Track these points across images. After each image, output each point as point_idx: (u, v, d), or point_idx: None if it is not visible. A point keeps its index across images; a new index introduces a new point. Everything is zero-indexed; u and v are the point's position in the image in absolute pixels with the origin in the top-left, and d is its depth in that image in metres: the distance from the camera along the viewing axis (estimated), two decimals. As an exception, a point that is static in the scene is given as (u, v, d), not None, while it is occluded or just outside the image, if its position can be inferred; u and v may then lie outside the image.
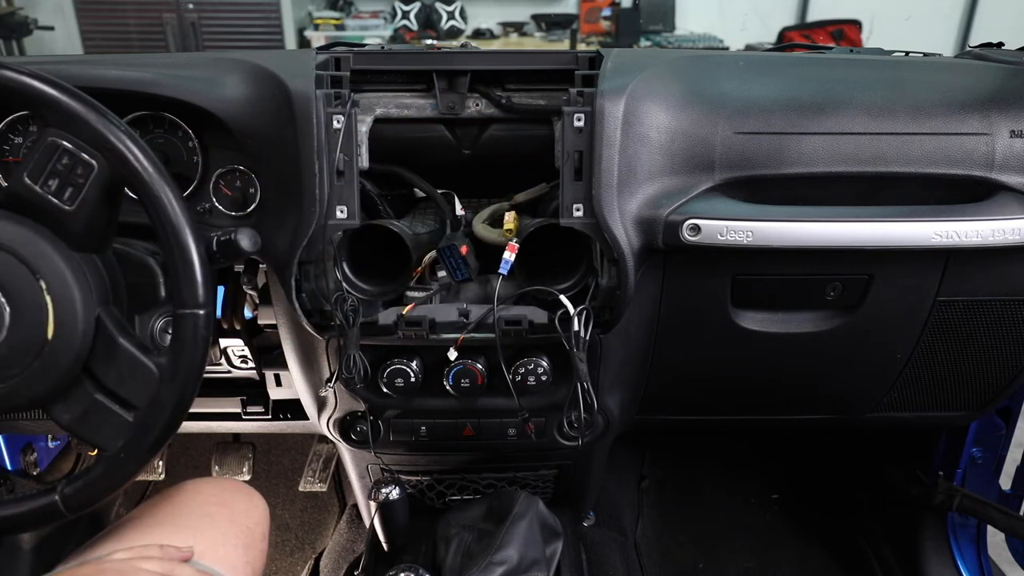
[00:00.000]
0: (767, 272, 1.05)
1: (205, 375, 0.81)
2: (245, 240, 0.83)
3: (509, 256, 0.99)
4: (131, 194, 0.78)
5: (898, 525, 1.65)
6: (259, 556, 0.99)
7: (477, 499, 1.29)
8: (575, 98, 0.95)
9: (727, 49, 4.84)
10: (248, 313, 1.18)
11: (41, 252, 0.75)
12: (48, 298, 0.75)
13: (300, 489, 1.78)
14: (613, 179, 0.94)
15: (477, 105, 1.04)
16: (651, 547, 1.71)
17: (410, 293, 1.05)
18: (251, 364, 1.22)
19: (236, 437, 1.73)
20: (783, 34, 5.05)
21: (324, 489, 1.77)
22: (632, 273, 0.97)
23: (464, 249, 1.01)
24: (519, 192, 1.11)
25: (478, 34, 5.43)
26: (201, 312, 0.77)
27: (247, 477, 1.69)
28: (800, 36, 4.98)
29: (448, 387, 1.10)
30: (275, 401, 1.28)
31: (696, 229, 0.95)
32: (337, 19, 5.24)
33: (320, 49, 1.06)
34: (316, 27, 5.19)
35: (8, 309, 0.74)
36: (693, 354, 1.17)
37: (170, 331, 0.79)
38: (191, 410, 0.81)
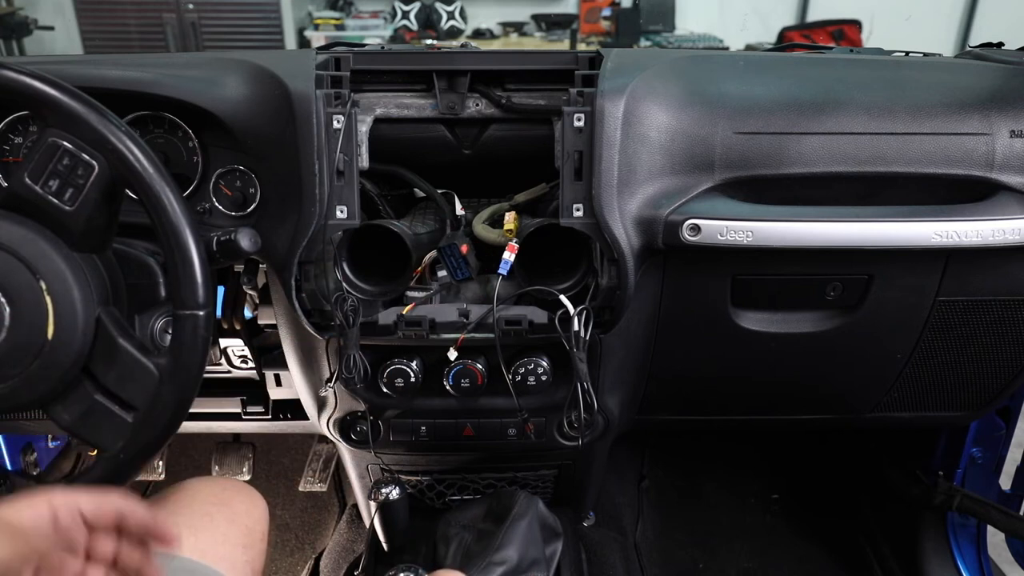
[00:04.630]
0: (767, 272, 1.05)
1: (205, 375, 0.81)
2: (245, 240, 0.83)
3: (509, 256, 0.99)
4: (131, 194, 0.78)
5: (898, 525, 1.64)
6: (259, 556, 0.99)
7: (477, 499, 1.29)
8: (575, 98, 0.95)
9: (727, 49, 4.84)
10: (248, 313, 1.18)
11: (41, 252, 0.75)
12: (48, 298, 0.75)
13: (300, 489, 1.78)
14: (613, 179, 0.94)
15: (477, 105, 1.04)
16: (651, 547, 1.71)
17: (410, 293, 1.05)
18: (251, 364, 1.22)
19: (236, 437, 1.73)
20: (783, 34, 5.05)
21: (324, 489, 1.77)
22: (632, 273, 0.97)
23: (464, 248, 1.02)
24: (519, 192, 1.11)
25: (478, 34, 5.42)
26: (201, 313, 0.77)
27: (247, 477, 1.69)
28: (800, 36, 4.97)
29: (448, 387, 1.10)
30: (275, 401, 1.28)
31: (696, 229, 0.95)
32: (337, 19, 5.24)
33: (320, 49, 1.06)
34: (316, 27, 5.19)
35: (8, 309, 0.74)
36: (693, 354, 1.17)
37: (170, 331, 0.79)
38: (191, 410, 0.81)
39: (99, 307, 0.78)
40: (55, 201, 0.76)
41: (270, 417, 1.29)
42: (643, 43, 5.23)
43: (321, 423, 1.20)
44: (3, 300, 0.74)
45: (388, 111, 1.03)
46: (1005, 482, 1.48)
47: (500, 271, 0.99)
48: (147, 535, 0.69)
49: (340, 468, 1.83)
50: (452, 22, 5.39)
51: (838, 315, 1.10)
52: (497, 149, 1.07)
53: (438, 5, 5.38)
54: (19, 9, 4.61)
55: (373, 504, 1.14)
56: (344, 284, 1.00)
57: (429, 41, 4.58)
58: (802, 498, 1.87)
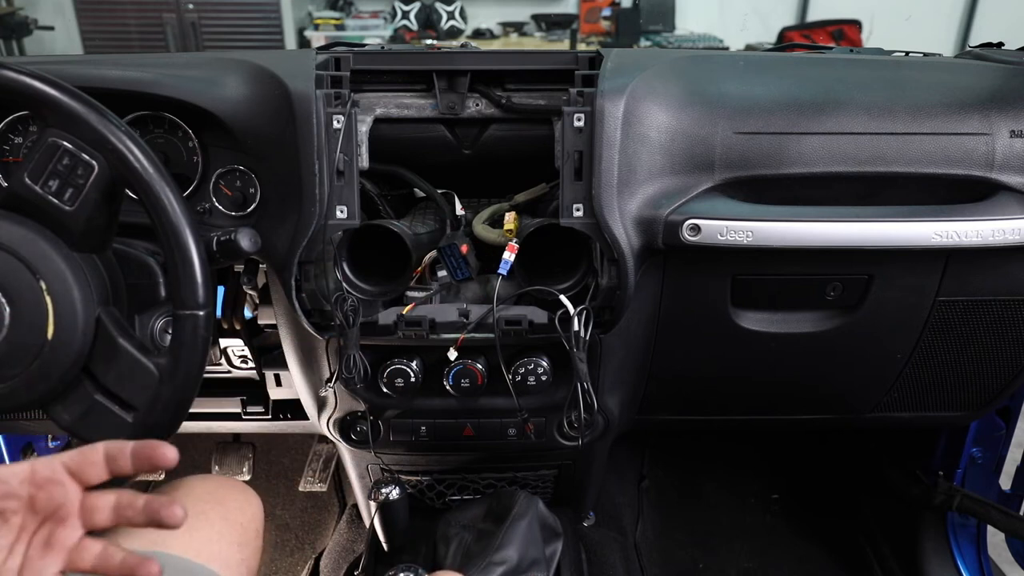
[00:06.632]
0: (767, 272, 1.05)
1: (205, 375, 0.81)
2: (245, 240, 0.83)
3: (509, 256, 0.99)
4: (131, 194, 0.78)
5: (898, 525, 1.64)
6: (253, 553, 0.99)
7: (477, 499, 1.29)
8: (575, 98, 0.95)
9: (727, 49, 4.84)
10: (248, 313, 1.18)
11: (41, 252, 0.75)
12: (48, 298, 0.75)
13: (300, 489, 1.78)
14: (613, 179, 0.94)
15: (477, 105, 1.04)
16: (651, 547, 1.71)
17: (410, 293, 1.05)
18: (251, 364, 1.22)
19: (236, 437, 1.73)
20: (783, 34, 5.05)
21: (324, 489, 1.77)
22: (632, 273, 0.97)
23: (464, 248, 1.02)
24: (519, 192, 1.11)
25: (478, 34, 5.42)
26: (201, 313, 0.77)
27: (247, 477, 1.69)
28: (800, 36, 4.97)
29: (448, 387, 1.10)
30: (275, 401, 1.28)
31: (696, 229, 0.95)
32: (337, 19, 5.24)
33: (320, 49, 1.06)
34: (316, 27, 5.19)
35: (8, 309, 0.74)
36: (693, 354, 1.17)
37: (170, 331, 0.79)
38: (191, 410, 0.81)
39: (99, 307, 0.78)
40: (55, 201, 0.76)
41: (270, 417, 1.29)
42: (643, 43, 5.23)
43: (321, 423, 1.20)
44: (3, 300, 0.74)
45: (388, 111, 1.03)
46: (1005, 482, 1.48)
47: (500, 271, 0.99)
48: (147, 461, 0.67)
49: (340, 468, 1.83)
50: (452, 22, 5.39)
51: (838, 315, 1.10)
52: (497, 149, 1.07)
53: (438, 5, 5.38)
54: (19, 9, 4.61)
55: (373, 504, 1.14)
56: (344, 284, 1.00)
57: (429, 41, 4.58)
58: (802, 498, 1.87)
